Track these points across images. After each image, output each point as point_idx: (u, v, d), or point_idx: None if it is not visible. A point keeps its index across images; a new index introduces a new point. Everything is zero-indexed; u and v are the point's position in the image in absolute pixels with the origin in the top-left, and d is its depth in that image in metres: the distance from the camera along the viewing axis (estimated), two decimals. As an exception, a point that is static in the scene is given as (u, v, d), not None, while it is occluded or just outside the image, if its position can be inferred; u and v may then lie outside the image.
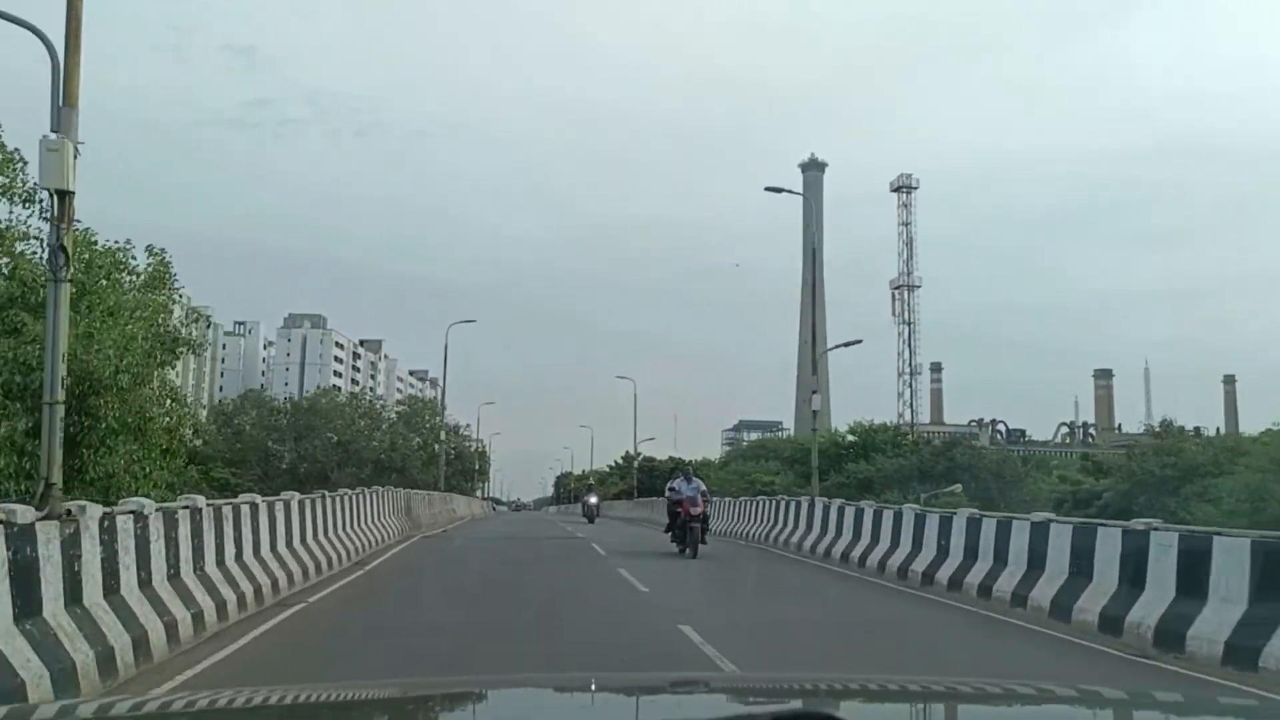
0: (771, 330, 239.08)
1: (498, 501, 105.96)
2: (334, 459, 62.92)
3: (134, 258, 18.99)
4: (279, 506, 12.18)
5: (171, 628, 7.97)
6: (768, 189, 23.23)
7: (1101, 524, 10.85)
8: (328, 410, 67.20)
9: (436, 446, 54.10)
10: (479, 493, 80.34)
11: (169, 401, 20.10)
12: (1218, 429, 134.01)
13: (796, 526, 21.35)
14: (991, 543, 12.71)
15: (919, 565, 14.54)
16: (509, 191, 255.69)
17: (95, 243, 17.11)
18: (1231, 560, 8.57)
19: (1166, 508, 31.36)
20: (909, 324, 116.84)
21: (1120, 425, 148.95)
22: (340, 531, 16.08)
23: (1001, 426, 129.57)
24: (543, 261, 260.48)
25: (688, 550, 17.72)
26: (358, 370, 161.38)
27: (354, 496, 17.94)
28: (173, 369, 19.97)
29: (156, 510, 8.30)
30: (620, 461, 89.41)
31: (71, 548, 6.72)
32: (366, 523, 19.04)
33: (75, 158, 7.91)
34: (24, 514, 6.14)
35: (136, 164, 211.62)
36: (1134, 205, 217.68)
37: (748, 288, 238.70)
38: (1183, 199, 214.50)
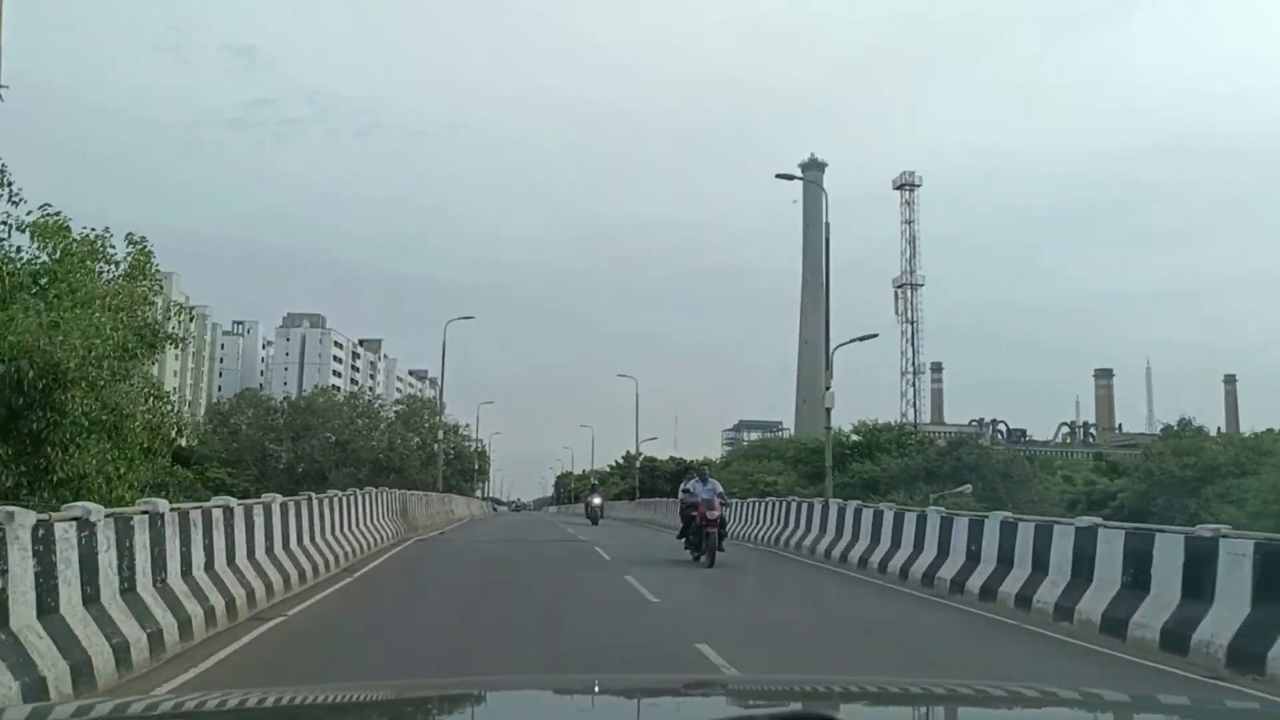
0: (772, 330, 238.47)
1: (497, 502, 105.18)
2: (332, 459, 62.01)
3: (113, 246, 18.06)
4: (257, 511, 11.21)
5: (122, 650, 7.01)
6: (778, 176, 22.39)
7: (1159, 530, 9.88)
8: (325, 409, 66.22)
9: (435, 446, 53.10)
10: (478, 493, 79.36)
11: (151, 399, 19.15)
12: (1219, 428, 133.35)
13: (809, 529, 20.39)
14: (1030, 549, 11.74)
15: (946, 572, 13.57)
16: (509, 191, 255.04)
17: (69, 229, 16.16)
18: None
19: (1187, 509, 30.42)
20: (912, 323, 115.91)
21: (1121, 425, 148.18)
22: (329, 536, 15.12)
23: (1002, 426, 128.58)
24: (543, 261, 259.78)
25: (704, 558, 16.30)
26: (357, 370, 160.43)
27: (344, 498, 16.97)
28: (153, 363, 18.96)
29: (107, 516, 7.33)
30: (621, 461, 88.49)
31: (-5, 562, 5.76)
32: (358, 526, 18.08)
33: None
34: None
35: (136, 164, 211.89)
36: (1134, 205, 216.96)
37: (748, 288, 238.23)
38: (1183, 199, 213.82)
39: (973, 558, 13.10)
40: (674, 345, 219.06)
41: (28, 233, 15.55)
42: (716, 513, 16.35)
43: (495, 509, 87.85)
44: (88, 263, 17.20)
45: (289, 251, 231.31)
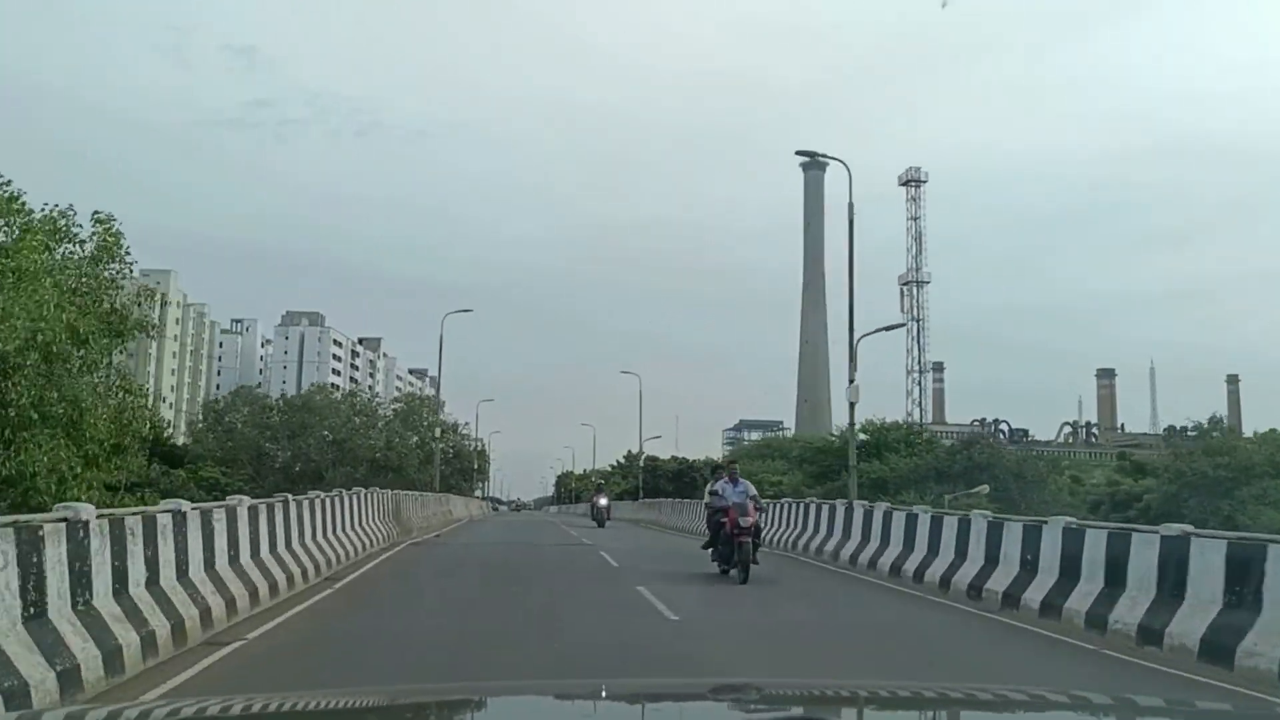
0: (772, 330, 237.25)
1: (497, 501, 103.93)
2: (329, 458, 60.71)
3: (78, 225, 16.66)
4: (217, 515, 9.76)
5: (18, 694, 5.57)
6: (799, 153, 20.82)
7: (1272, 540, 8.42)
8: (322, 408, 64.92)
9: (433, 445, 51.65)
10: (478, 493, 77.90)
11: (121, 392, 17.77)
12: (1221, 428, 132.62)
13: (830, 533, 18.94)
14: (1100, 560, 10.28)
15: (996, 584, 12.11)
16: (509, 191, 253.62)
17: (23, 204, 14.74)
18: None
19: (1220, 512, 28.98)
20: (918, 320, 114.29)
21: (1123, 425, 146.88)
22: (308, 541, 13.68)
23: (1004, 426, 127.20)
24: (543, 261, 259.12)
25: (734, 572, 13.93)
26: (356, 369, 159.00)
27: (327, 500, 15.52)
28: (123, 352, 17.52)
29: (7, 527, 5.90)
30: (622, 461, 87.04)
31: None
32: (345, 529, 16.64)
33: None
34: None
35: (136, 164, 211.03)
36: (1134, 206, 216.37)
37: (748, 288, 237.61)
38: (1183, 199, 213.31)
39: (1028, 568, 11.65)
40: (674, 345, 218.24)
41: None
42: (751, 519, 13.91)
43: (495, 509, 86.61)
44: (50, 243, 15.80)
45: (289, 252, 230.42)
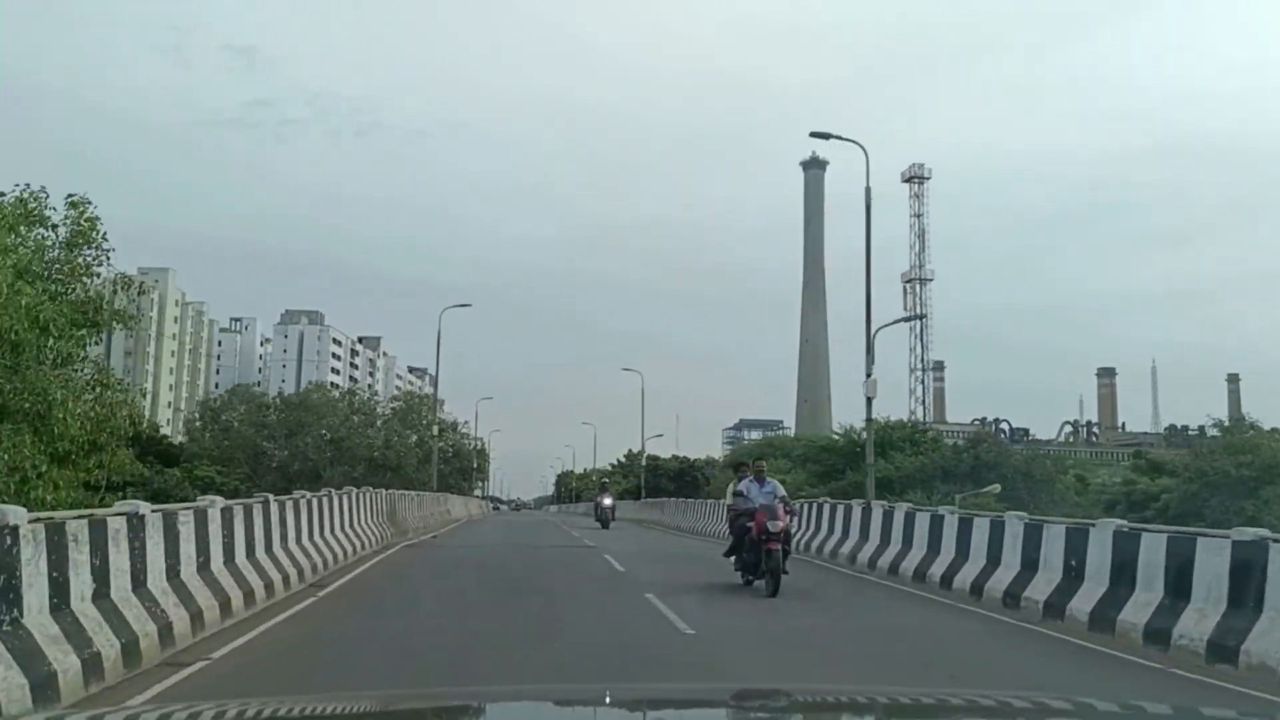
0: (772, 330, 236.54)
1: (497, 500, 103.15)
2: (326, 457, 59.83)
3: (52, 209, 15.71)
4: (183, 518, 8.80)
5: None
6: (814, 134, 19.82)
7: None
8: (320, 406, 63.98)
9: (431, 443, 50.70)
10: (477, 492, 76.96)
11: (98, 386, 16.81)
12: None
13: (845, 535, 17.99)
14: (1159, 568, 9.32)
15: (1036, 592, 11.14)
16: (509, 191, 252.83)
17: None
18: None
19: (1244, 512, 28.00)
20: (921, 318, 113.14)
21: (1124, 424, 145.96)
22: (292, 545, 12.74)
23: (1005, 425, 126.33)
24: (543, 261, 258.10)
25: (762, 583, 12.32)
26: (356, 367, 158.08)
27: (315, 500, 14.57)
28: (96, 342, 16.56)
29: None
30: (623, 460, 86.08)
31: None
32: (335, 531, 15.70)
33: None
34: None
35: (136, 164, 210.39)
36: (1134, 206, 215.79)
37: (748, 287, 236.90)
38: (1183, 199, 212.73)
39: (1072, 575, 10.69)
40: (674, 345, 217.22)
41: None
42: (781, 523, 12.23)
43: (496, 508, 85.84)
44: (19, 227, 14.85)
45: (288, 252, 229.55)
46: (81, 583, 6.77)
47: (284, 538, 12.30)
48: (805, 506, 21.22)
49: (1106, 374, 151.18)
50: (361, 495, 18.87)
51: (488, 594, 12.74)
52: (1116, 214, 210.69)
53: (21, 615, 5.95)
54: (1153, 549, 9.47)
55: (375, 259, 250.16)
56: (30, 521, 6.12)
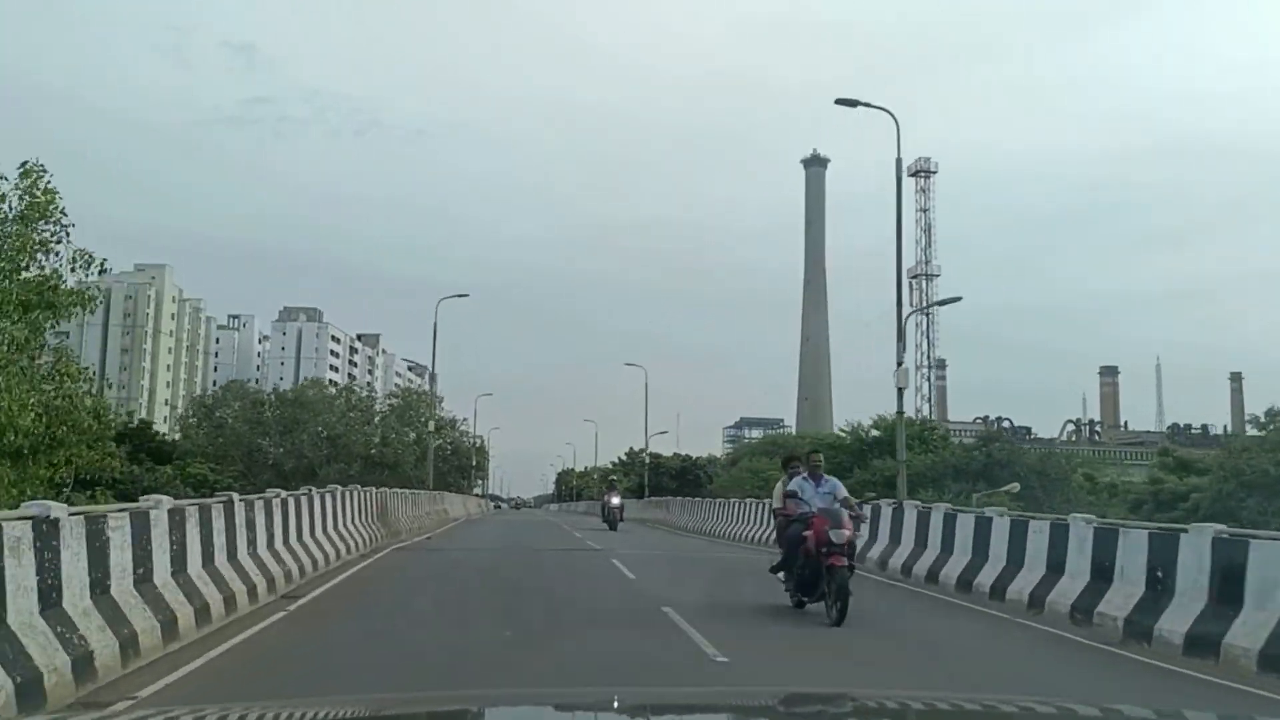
0: (772, 329, 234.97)
1: (496, 498, 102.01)
2: (322, 454, 58.58)
3: (2, 178, 14.27)
4: (116, 523, 7.32)
5: None
6: (839, 101, 18.34)
7: None
8: (316, 402, 62.64)
9: (428, 439, 49.29)
10: (477, 490, 75.55)
11: (60, 376, 15.38)
12: (1225, 427, 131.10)
13: (875, 538, 16.51)
14: (1275, 582, 7.88)
15: (1113, 606, 9.68)
16: (509, 191, 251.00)
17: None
18: None
19: (1282, 512, 26.51)
20: (927, 315, 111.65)
21: (1126, 423, 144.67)
22: (265, 550, 11.30)
23: (1007, 423, 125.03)
24: (543, 261, 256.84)
25: (820, 605, 10.02)
26: (355, 365, 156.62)
27: (291, 501, 13.12)
28: (53, 328, 15.12)
29: None
30: (624, 458, 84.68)
31: None
32: (317, 533, 14.26)
33: None
34: None
35: (135, 162, 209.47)
36: (1134, 206, 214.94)
37: (748, 287, 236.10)
38: (1183, 199, 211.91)
39: (1157, 588, 9.24)
40: (675, 344, 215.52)
41: None
42: (847, 532, 9.84)
43: (498, 506, 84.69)
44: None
45: (288, 251, 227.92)
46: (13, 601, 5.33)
47: (252, 542, 10.85)
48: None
49: (1109, 372, 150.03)
50: (348, 494, 17.42)
51: (479, 606, 11.26)
52: (1116, 214, 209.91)
53: None
54: (1267, 560, 8.02)
55: (375, 258, 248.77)
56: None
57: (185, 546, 8.72)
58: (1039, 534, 11.47)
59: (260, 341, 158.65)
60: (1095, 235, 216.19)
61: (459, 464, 67.70)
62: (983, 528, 12.81)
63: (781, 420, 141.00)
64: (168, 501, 8.46)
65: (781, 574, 10.86)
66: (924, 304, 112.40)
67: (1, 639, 5.61)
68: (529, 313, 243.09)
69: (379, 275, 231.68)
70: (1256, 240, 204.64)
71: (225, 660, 7.58)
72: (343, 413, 62.26)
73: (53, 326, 14.67)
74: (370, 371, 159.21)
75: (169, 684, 6.63)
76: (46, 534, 6.28)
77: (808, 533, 10.10)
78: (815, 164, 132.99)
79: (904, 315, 18.03)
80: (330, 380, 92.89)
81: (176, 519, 8.58)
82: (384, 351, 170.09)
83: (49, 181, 14.40)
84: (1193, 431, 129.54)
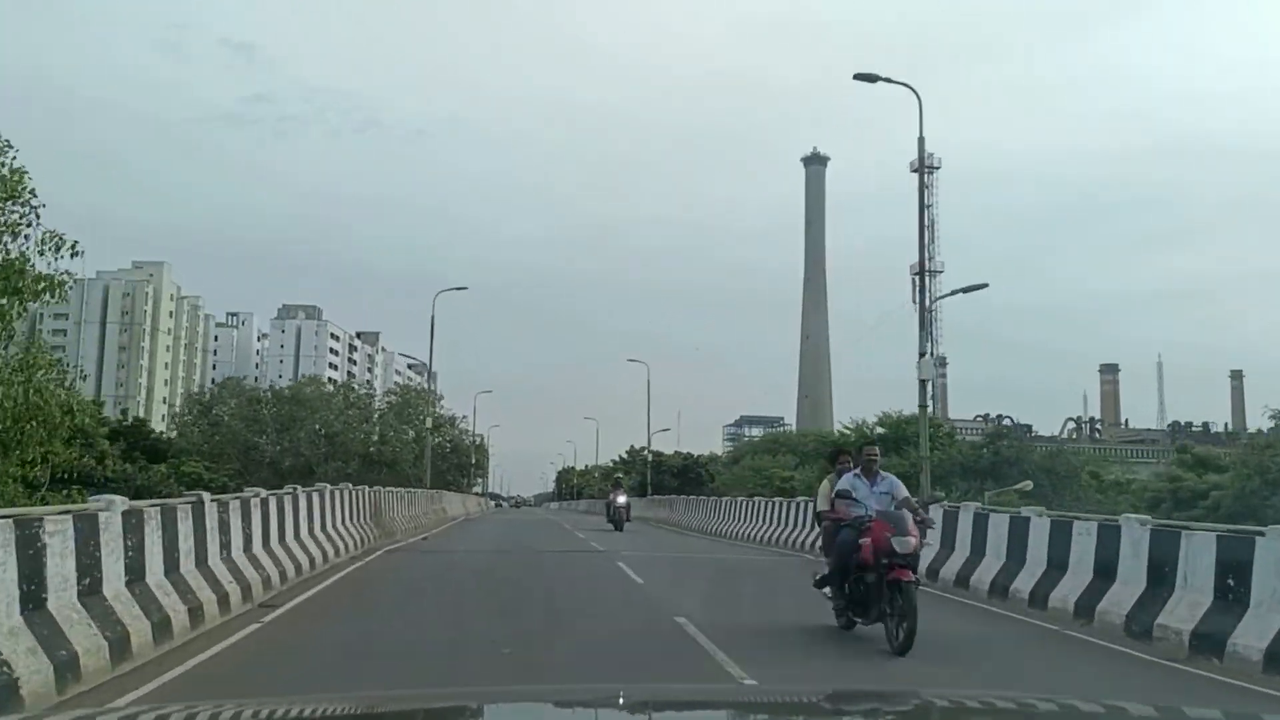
0: (772, 329, 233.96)
1: (497, 497, 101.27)
2: (320, 452, 57.63)
3: (-37, 157, 13.31)
4: (54, 529, 6.38)
5: None
6: (857, 77, 17.42)
7: None
8: (313, 399, 61.68)
9: (426, 436, 48.36)
10: (476, 489, 74.65)
11: (25, 369, 14.42)
12: (1225, 425, 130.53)
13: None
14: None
15: (1177, 619, 8.71)
16: (509, 191, 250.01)
17: None
18: None
19: (1311, 510, 25.57)
20: (931, 311, 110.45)
21: (1127, 420, 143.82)
22: (245, 554, 10.38)
23: (1008, 422, 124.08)
24: (543, 261, 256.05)
25: (885, 629, 8.22)
26: (354, 363, 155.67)
27: (273, 501, 12.18)
28: (19, 316, 14.18)
29: None
30: (624, 456, 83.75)
31: None
32: (303, 535, 13.33)
33: None
34: None
35: (135, 160, 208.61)
36: (1134, 206, 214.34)
37: (748, 286, 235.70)
38: (1183, 199, 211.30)
39: (1228, 597, 8.29)
40: (675, 344, 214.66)
41: None
42: (914, 541, 8.23)
43: (499, 505, 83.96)
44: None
45: (288, 250, 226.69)
46: None
47: (226, 546, 9.91)
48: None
49: (1109, 370, 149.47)
50: (338, 494, 16.48)
51: (472, 617, 10.29)
52: (1116, 214, 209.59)
53: None
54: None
55: (374, 258, 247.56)
56: None
57: (144, 552, 7.78)
58: (1085, 536, 10.52)
59: (259, 339, 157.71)
60: (1095, 235, 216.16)
61: (458, 462, 66.81)
62: (1019, 529, 11.86)
63: (782, 419, 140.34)
64: (121, 502, 7.50)
65: (828, 589, 9.22)
66: (929, 301, 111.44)
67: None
68: (529, 312, 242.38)
69: (378, 274, 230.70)
70: (1256, 240, 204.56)
71: (181, 684, 6.63)
72: (340, 410, 61.34)
73: (20, 314, 13.73)
74: (370, 370, 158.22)
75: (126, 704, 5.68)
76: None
77: (865, 540, 8.44)
78: (815, 162, 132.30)
79: (930, 303, 17.05)
80: (329, 378, 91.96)
81: (133, 522, 7.64)
82: (384, 350, 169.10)
83: (14, 158, 13.45)
84: (1193, 430, 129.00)
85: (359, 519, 18.21)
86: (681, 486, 66.23)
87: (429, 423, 47.36)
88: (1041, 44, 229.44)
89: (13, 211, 13.73)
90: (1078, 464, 54.85)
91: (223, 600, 9.20)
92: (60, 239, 13.63)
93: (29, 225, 13.80)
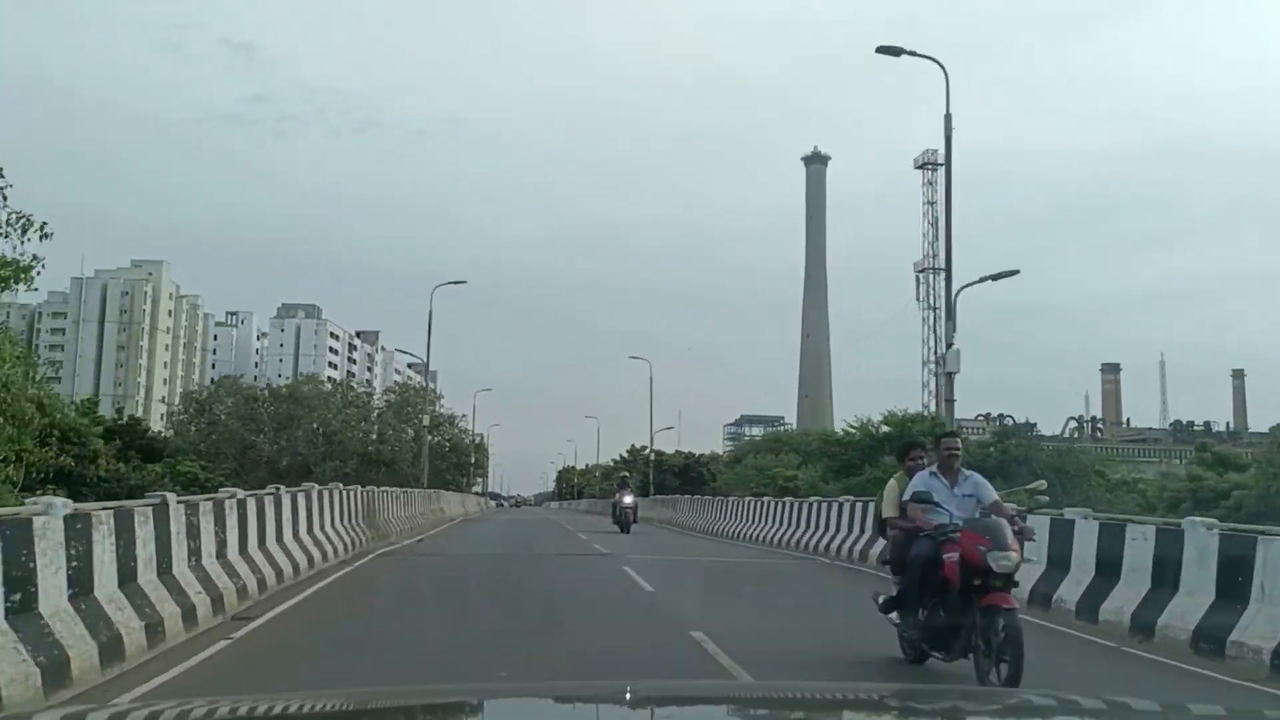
0: (772, 329, 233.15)
1: (497, 496, 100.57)
2: (318, 451, 56.73)
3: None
4: (4, 535, 5.46)
5: None
6: (880, 50, 16.45)
7: None
8: (310, 398, 60.79)
9: (424, 435, 47.44)
10: (476, 488, 73.78)
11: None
12: (1227, 424, 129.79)
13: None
14: None
15: (1256, 635, 7.80)
16: (509, 191, 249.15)
17: None
18: None
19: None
20: (934, 309, 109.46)
21: (1128, 420, 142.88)
22: (218, 560, 9.45)
23: (1009, 420, 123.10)
24: (543, 261, 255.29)
25: (976, 665, 6.61)
26: (354, 362, 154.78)
27: (256, 501, 11.25)
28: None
29: None
30: (625, 455, 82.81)
31: None
32: (285, 539, 12.40)
33: None
34: None
35: (135, 159, 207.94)
36: (1134, 206, 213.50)
37: (748, 286, 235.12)
38: (1183, 199, 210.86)
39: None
40: (675, 343, 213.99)
41: None
42: (1015, 557, 6.62)
43: (500, 505, 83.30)
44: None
45: (287, 250, 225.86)
46: None
47: (195, 553, 8.97)
48: (854, 508, 17.83)
49: (1111, 370, 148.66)
50: (326, 494, 15.55)
51: (466, 630, 9.35)
52: (1116, 214, 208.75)
53: None
54: None
55: (374, 257, 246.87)
56: None
57: (92, 562, 6.85)
58: (1140, 541, 9.57)
59: (259, 339, 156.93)
60: (1095, 235, 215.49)
61: (457, 461, 65.93)
62: (1062, 532, 10.92)
63: (782, 418, 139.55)
64: (62, 505, 6.57)
65: (895, 614, 7.61)
66: (930, 299, 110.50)
67: None
68: (529, 312, 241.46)
69: (378, 274, 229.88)
70: (1256, 240, 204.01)
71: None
72: (338, 409, 60.50)
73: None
74: (369, 369, 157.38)
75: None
76: None
77: (949, 555, 6.75)
78: (816, 161, 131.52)
79: (955, 292, 16.10)
80: (328, 378, 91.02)
81: (78, 528, 6.71)
82: (383, 349, 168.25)
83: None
84: (1195, 429, 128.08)
85: (350, 521, 17.29)
86: (683, 486, 65.32)
87: (426, 420, 46.38)
88: (1041, 44, 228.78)
89: (-24, 193, 12.80)
90: (1087, 463, 53.80)
91: (189, 613, 8.25)
92: (28, 220, 12.70)
93: (-5, 207, 12.87)
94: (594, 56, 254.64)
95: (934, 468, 7.72)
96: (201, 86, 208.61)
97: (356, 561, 15.28)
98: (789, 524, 22.21)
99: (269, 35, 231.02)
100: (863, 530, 16.88)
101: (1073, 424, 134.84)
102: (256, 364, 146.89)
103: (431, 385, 60.55)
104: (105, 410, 68.25)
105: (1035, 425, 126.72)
